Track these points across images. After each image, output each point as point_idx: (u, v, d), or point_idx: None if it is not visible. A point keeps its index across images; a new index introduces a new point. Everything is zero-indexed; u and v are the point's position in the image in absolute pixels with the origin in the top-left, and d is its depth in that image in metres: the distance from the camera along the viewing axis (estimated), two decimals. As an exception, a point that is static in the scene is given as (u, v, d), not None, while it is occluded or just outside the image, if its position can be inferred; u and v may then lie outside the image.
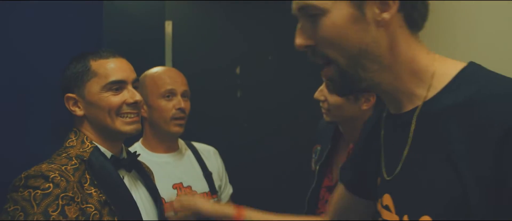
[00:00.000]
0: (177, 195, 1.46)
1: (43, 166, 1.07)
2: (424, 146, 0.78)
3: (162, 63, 2.65)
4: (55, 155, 1.16)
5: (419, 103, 0.80)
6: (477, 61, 0.81)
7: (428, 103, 0.79)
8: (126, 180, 1.22)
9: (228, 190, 1.71)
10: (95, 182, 1.11)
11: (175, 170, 1.53)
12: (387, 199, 0.85)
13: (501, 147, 0.66)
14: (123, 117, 1.19)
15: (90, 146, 1.17)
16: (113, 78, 1.18)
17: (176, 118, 1.53)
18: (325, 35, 0.78)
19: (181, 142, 1.66)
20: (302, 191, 2.10)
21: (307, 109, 2.86)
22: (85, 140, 1.19)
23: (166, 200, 1.39)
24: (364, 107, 1.54)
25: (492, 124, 0.68)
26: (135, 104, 1.20)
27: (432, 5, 0.84)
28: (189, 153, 1.64)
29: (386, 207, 0.85)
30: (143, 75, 1.60)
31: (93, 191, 1.10)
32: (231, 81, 2.82)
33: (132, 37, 2.31)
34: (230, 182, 1.79)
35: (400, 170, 0.82)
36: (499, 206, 0.67)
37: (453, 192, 0.70)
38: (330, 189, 1.66)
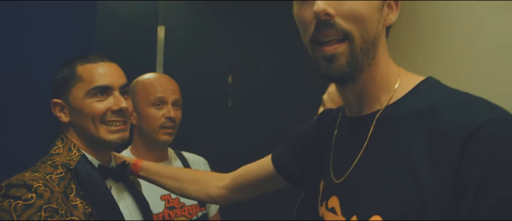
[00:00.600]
0: (165, 207, 1.40)
1: (26, 174, 1.01)
2: (381, 148, 0.79)
3: (153, 68, 2.61)
4: (40, 162, 1.09)
5: (379, 107, 0.82)
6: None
7: (389, 108, 0.81)
8: (114, 191, 1.16)
9: (217, 202, 1.66)
10: (81, 193, 1.05)
11: (164, 180, 1.48)
12: (333, 201, 0.85)
13: (461, 154, 0.68)
14: (108, 125, 1.13)
15: (77, 154, 1.12)
16: (97, 83, 1.13)
17: (165, 127, 1.49)
18: (357, 9, 0.77)
19: (170, 152, 1.61)
20: (292, 201, 2.09)
21: (298, 120, 2.83)
22: (72, 147, 1.13)
23: (153, 212, 1.34)
24: None
25: (452, 131, 0.70)
26: (120, 112, 1.14)
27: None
28: (178, 163, 1.59)
29: (332, 210, 0.86)
30: (135, 81, 1.56)
31: (78, 202, 1.04)
32: (223, 90, 2.78)
33: (124, 40, 2.27)
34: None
35: (352, 172, 0.83)
36: (455, 209, 0.67)
37: (408, 193, 0.71)
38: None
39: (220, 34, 2.85)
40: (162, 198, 1.46)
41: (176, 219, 1.42)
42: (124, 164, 1.22)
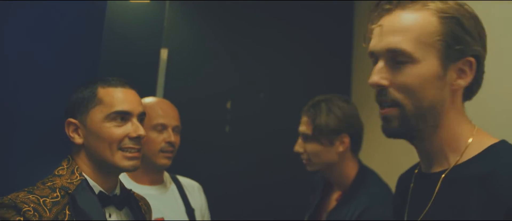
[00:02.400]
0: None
1: (21, 195, 1.01)
2: (444, 208, 0.82)
3: (153, 89, 2.62)
4: (40, 183, 1.09)
5: (448, 166, 0.85)
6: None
7: (456, 168, 0.84)
8: (114, 218, 1.14)
9: (210, 228, 1.65)
10: (74, 220, 1.04)
11: (158, 203, 1.47)
12: None
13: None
14: (124, 151, 1.12)
15: (78, 178, 1.10)
16: (118, 108, 1.12)
17: (164, 151, 1.50)
18: (407, 81, 0.83)
19: (166, 175, 1.61)
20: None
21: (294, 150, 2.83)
22: (75, 170, 1.11)
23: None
24: (340, 149, 1.59)
25: (503, 198, 0.71)
26: (137, 139, 1.14)
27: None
28: (173, 187, 1.59)
29: None
30: None
31: None
32: (221, 115, 2.79)
33: (127, 60, 2.29)
34: (214, 218, 1.73)
35: None
36: None
37: None
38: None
39: (222, 59, 2.87)
40: (155, 221, 1.45)
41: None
42: (129, 192, 1.20)
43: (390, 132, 0.88)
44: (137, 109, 1.16)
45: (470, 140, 0.84)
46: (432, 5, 0.84)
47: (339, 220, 1.56)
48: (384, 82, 0.85)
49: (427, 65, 0.82)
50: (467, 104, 0.92)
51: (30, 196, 1.01)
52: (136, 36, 2.44)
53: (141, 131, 1.13)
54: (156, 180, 1.55)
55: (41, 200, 1.01)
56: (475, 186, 0.77)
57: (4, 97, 1.40)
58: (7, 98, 1.40)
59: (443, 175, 0.85)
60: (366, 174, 1.65)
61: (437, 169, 0.88)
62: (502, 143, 0.83)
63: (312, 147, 1.60)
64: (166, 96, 2.55)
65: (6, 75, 1.41)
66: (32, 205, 0.99)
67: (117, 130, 1.12)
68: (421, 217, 0.86)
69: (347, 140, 1.59)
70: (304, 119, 1.65)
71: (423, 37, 0.82)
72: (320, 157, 1.60)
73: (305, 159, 1.65)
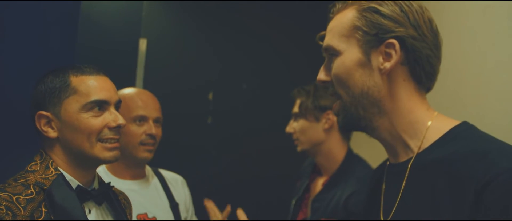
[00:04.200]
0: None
1: None
2: (413, 195, 0.85)
3: (133, 81, 2.55)
4: (12, 180, 1.02)
5: (412, 154, 0.88)
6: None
7: (420, 155, 0.87)
8: (93, 214, 1.09)
9: (193, 221, 1.62)
10: (52, 217, 0.98)
11: (141, 198, 1.43)
12: None
13: (475, 203, 0.71)
14: (104, 142, 1.06)
15: (54, 173, 1.03)
16: (95, 97, 1.05)
17: (145, 144, 1.44)
18: (335, 72, 0.91)
19: (148, 169, 1.56)
20: (285, 203, 2.05)
21: (277, 140, 2.82)
22: (50, 165, 1.05)
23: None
24: (326, 125, 1.69)
25: (468, 179, 0.73)
26: (117, 129, 1.08)
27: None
28: (155, 181, 1.54)
29: None
30: None
31: None
32: (203, 107, 2.75)
33: (105, 51, 2.22)
34: (197, 212, 1.70)
35: (393, 216, 0.89)
36: None
37: None
38: (303, 223, 1.78)
39: (203, 49, 2.83)
40: (138, 217, 1.40)
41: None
42: (108, 186, 1.14)
43: (340, 124, 0.95)
44: (114, 97, 1.10)
45: (429, 124, 0.87)
46: (356, 4, 0.91)
47: (325, 204, 1.61)
48: (325, 78, 0.94)
49: (350, 54, 0.89)
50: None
51: (2, 194, 0.95)
52: (113, 27, 2.37)
53: (121, 120, 1.08)
54: (137, 174, 1.49)
55: (14, 198, 0.95)
56: (440, 170, 0.79)
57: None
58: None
59: (409, 164, 0.87)
60: (353, 159, 1.72)
61: (403, 158, 0.90)
62: (463, 124, 0.86)
63: (300, 124, 1.72)
64: (146, 87, 2.49)
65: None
66: (4, 203, 0.93)
67: (95, 121, 1.06)
68: (394, 207, 0.88)
69: (332, 117, 1.68)
70: (296, 100, 1.79)
71: (344, 31, 0.90)
72: (306, 134, 1.70)
73: (295, 139, 1.75)
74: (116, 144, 1.09)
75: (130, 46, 2.63)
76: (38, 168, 1.04)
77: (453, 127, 0.85)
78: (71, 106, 1.05)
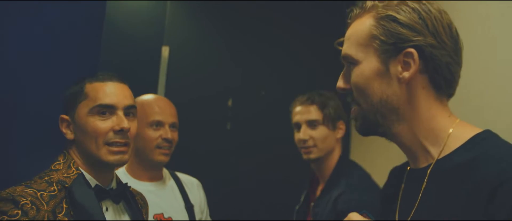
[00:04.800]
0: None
1: (18, 189, 1.02)
2: (433, 201, 0.84)
3: (155, 87, 2.63)
4: (37, 177, 1.10)
5: (432, 160, 0.87)
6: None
7: (440, 161, 0.86)
8: (111, 212, 1.15)
9: (209, 224, 1.66)
10: (72, 213, 1.05)
11: (158, 199, 1.49)
12: None
13: (488, 202, 0.72)
14: (110, 146, 1.12)
15: (75, 172, 1.11)
16: (100, 101, 1.12)
17: (161, 147, 1.51)
18: (354, 81, 0.91)
19: (165, 172, 1.62)
20: (290, 207, 2.10)
21: (296, 147, 2.83)
22: (71, 165, 1.12)
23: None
24: (339, 135, 1.77)
25: (483, 183, 0.74)
26: (121, 132, 1.13)
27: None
28: (172, 183, 1.60)
29: None
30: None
31: None
32: (222, 113, 2.79)
33: (128, 58, 2.30)
34: (214, 216, 1.74)
35: (411, 219, 0.88)
36: None
37: None
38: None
39: (223, 57, 2.88)
40: (155, 217, 1.46)
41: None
42: (125, 186, 1.20)
43: (358, 129, 0.95)
44: (122, 102, 1.15)
45: (450, 131, 0.86)
46: (373, 10, 0.90)
47: (323, 208, 1.67)
48: (344, 86, 0.94)
49: (368, 64, 0.88)
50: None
51: (28, 190, 1.02)
52: (137, 35, 2.46)
53: (124, 123, 1.12)
54: (155, 176, 1.56)
55: (38, 194, 1.02)
56: (459, 176, 0.79)
57: (5, 95, 1.42)
58: (7, 96, 1.42)
59: (429, 170, 0.86)
60: (345, 163, 1.79)
61: (423, 164, 0.90)
62: (485, 132, 0.84)
63: (320, 132, 1.74)
64: (167, 94, 2.56)
65: (6, 73, 1.43)
66: (29, 199, 1.00)
67: (101, 124, 1.12)
68: (412, 213, 0.88)
69: (343, 126, 1.78)
70: (311, 107, 1.79)
71: (361, 40, 0.90)
72: (326, 142, 1.74)
73: (310, 146, 1.75)
74: (122, 148, 1.13)
75: (153, 54, 2.71)
76: (61, 167, 1.12)
77: (475, 135, 0.84)
78: (82, 110, 1.13)
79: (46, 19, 1.52)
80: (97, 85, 1.15)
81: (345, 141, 2.86)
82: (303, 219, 1.88)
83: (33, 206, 1.00)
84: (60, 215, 1.03)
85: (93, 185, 1.12)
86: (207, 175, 2.45)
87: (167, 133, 1.51)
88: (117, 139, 1.13)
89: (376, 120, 0.90)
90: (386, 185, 1.09)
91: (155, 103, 1.56)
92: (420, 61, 0.85)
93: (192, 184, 1.65)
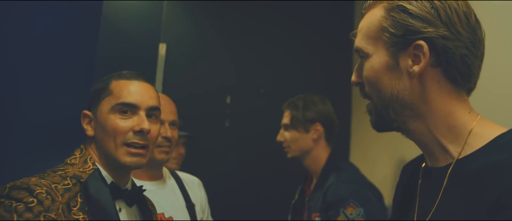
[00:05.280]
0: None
1: (33, 179, 0.98)
2: (454, 202, 0.80)
3: (152, 84, 2.60)
4: (51, 170, 1.05)
5: (452, 160, 0.82)
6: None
7: (461, 161, 0.81)
8: (124, 214, 1.11)
9: (209, 224, 1.64)
10: (86, 208, 1.01)
11: (158, 199, 1.46)
12: None
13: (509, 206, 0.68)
14: (129, 146, 1.07)
15: (91, 167, 1.07)
16: (124, 99, 1.08)
17: (161, 146, 1.48)
18: (365, 75, 0.88)
19: (165, 171, 1.59)
20: (285, 204, 2.09)
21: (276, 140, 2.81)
22: (88, 160, 1.09)
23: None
24: (314, 136, 1.89)
25: (510, 190, 0.69)
26: (141, 133, 1.08)
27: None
28: (172, 182, 1.57)
29: None
30: None
31: (80, 216, 0.99)
32: (221, 110, 2.77)
33: (125, 55, 2.27)
34: (212, 213, 1.72)
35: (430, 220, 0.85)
36: None
37: None
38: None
39: (221, 54, 2.86)
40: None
41: (169, 240, 1.39)
42: (140, 188, 1.16)
43: (373, 124, 0.92)
44: (146, 103, 1.10)
45: (471, 129, 0.81)
46: (385, 1, 0.86)
47: (315, 202, 1.81)
48: (357, 79, 0.92)
49: (378, 57, 0.85)
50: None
51: (42, 181, 0.99)
52: (134, 32, 2.43)
53: (145, 124, 1.07)
54: (155, 175, 1.53)
55: (53, 186, 0.99)
56: (484, 180, 0.74)
57: (4, 94, 1.39)
58: (7, 95, 1.39)
59: (449, 170, 0.82)
60: (336, 161, 1.92)
61: (442, 163, 0.85)
62: (510, 133, 0.79)
63: (290, 134, 1.92)
64: (165, 91, 2.53)
65: (5, 72, 1.40)
66: (44, 188, 0.97)
67: (121, 123, 1.08)
68: (430, 214, 0.84)
69: (320, 128, 1.90)
70: (286, 112, 1.98)
71: (371, 32, 0.87)
72: (297, 143, 1.91)
73: (285, 146, 1.96)
74: (141, 151, 1.08)
75: (150, 51, 2.68)
76: (77, 162, 1.08)
77: (500, 135, 0.79)
78: (104, 106, 1.09)
79: (43, 17, 1.49)
80: (122, 83, 1.11)
81: (345, 140, 2.85)
82: (299, 213, 2.00)
83: (48, 196, 0.96)
84: (74, 208, 0.99)
85: (109, 182, 1.08)
86: (206, 172, 2.43)
87: (167, 131, 1.48)
88: (136, 140, 1.08)
89: (389, 116, 0.86)
90: (400, 183, 1.05)
91: None
92: (431, 54, 0.80)
93: (193, 183, 1.63)
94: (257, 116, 2.80)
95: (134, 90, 1.10)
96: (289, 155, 1.95)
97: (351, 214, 1.61)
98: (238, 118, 2.80)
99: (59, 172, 1.04)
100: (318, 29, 2.89)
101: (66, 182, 1.02)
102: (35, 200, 0.94)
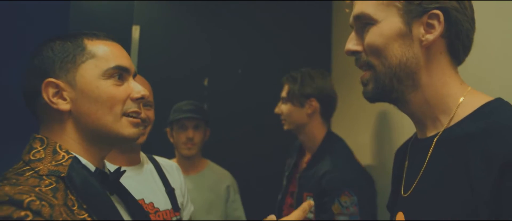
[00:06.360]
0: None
1: (6, 189, 0.76)
2: (439, 168, 0.81)
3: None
4: (13, 173, 0.83)
5: (441, 129, 0.84)
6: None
7: (448, 130, 0.83)
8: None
9: (189, 207, 1.62)
10: (84, 206, 0.83)
11: (137, 184, 1.42)
12: (400, 217, 0.89)
13: (500, 178, 0.69)
14: (129, 116, 0.92)
15: (66, 157, 0.86)
16: (117, 62, 0.91)
17: None
18: (371, 41, 0.86)
19: (142, 155, 1.55)
20: (268, 201, 2.11)
21: (273, 126, 2.82)
22: (58, 149, 0.87)
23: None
24: (309, 111, 1.91)
25: (495, 155, 0.70)
26: (142, 100, 0.94)
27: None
28: (151, 167, 1.53)
29: None
30: None
31: (86, 216, 0.82)
32: (198, 93, 2.74)
33: (97, 39, 2.21)
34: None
35: (414, 190, 0.86)
36: None
37: (467, 211, 0.72)
38: (293, 194, 2.00)
39: (197, 36, 2.81)
40: (135, 203, 1.40)
41: (151, 226, 1.37)
42: (120, 172, 0.99)
43: (368, 95, 0.90)
44: (133, 67, 0.96)
45: (461, 99, 0.83)
46: None
47: (308, 180, 1.85)
48: (356, 48, 0.89)
49: (389, 23, 0.84)
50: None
51: (21, 188, 0.77)
52: (105, 14, 2.36)
53: (145, 90, 0.94)
54: (132, 160, 1.48)
55: (36, 189, 0.78)
56: (468, 145, 0.76)
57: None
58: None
59: (435, 138, 0.84)
60: (332, 139, 1.94)
61: (431, 133, 0.87)
62: (497, 100, 0.82)
63: (286, 108, 1.95)
64: (139, 74, 2.48)
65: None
66: (33, 195, 0.75)
67: (118, 90, 0.90)
68: (416, 181, 0.86)
69: (315, 104, 1.91)
70: (285, 85, 1.99)
71: None
72: (292, 116, 1.93)
73: (282, 119, 1.99)
74: (140, 121, 0.95)
75: (123, 33, 2.61)
76: (44, 155, 0.86)
77: (486, 103, 0.81)
78: (89, 72, 0.90)
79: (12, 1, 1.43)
80: (101, 43, 0.93)
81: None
82: (289, 184, 2.05)
83: (43, 202, 0.75)
84: (75, 208, 0.81)
85: (93, 170, 0.90)
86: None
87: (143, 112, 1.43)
88: (137, 108, 0.93)
89: (392, 85, 0.86)
90: (394, 166, 1.07)
91: None
92: (444, 24, 0.82)
93: (171, 167, 1.60)
94: (235, 98, 2.78)
95: (121, 52, 0.95)
96: (285, 127, 1.99)
97: (346, 202, 1.67)
98: (216, 100, 2.77)
99: (28, 173, 0.82)
100: (296, 6, 2.87)
101: (46, 182, 0.81)
102: (29, 212, 0.73)
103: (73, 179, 0.84)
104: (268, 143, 2.72)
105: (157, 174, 1.53)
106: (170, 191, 1.49)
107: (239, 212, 2.20)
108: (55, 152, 0.87)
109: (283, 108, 1.97)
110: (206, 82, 2.77)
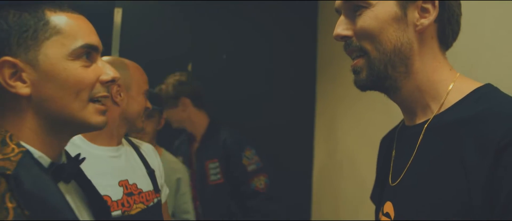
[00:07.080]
0: (124, 193, 1.33)
1: None
2: (430, 155, 0.80)
3: (108, 52, 2.50)
4: None
5: (431, 116, 0.83)
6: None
7: (438, 116, 0.82)
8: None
9: (165, 189, 1.61)
10: (26, 212, 0.68)
11: (121, 165, 1.39)
12: (388, 207, 0.88)
13: (494, 163, 0.68)
14: (96, 102, 0.82)
15: (16, 150, 0.73)
16: (86, 40, 0.80)
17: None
18: (365, 26, 0.83)
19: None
20: None
21: (258, 111, 2.81)
22: (7, 140, 0.74)
23: (112, 199, 1.27)
24: (183, 108, 2.26)
25: (489, 141, 0.69)
26: (112, 83, 0.85)
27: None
28: (130, 148, 1.51)
29: (387, 214, 0.88)
30: (122, 61, 1.48)
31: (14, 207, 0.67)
32: (181, 78, 2.70)
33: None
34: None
35: (403, 178, 0.85)
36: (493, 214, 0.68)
37: (460, 197, 0.71)
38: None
39: (180, 19, 2.78)
40: (120, 184, 1.37)
41: (135, 206, 1.35)
42: (79, 160, 0.88)
43: (360, 83, 0.87)
44: (100, 44, 0.85)
45: (451, 86, 0.83)
46: None
47: (206, 151, 2.25)
48: (346, 33, 0.85)
49: (383, 7, 0.82)
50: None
51: None
52: (87, -5, 2.30)
53: (115, 71, 0.84)
54: (117, 141, 1.45)
55: None
56: (459, 131, 0.75)
57: None
58: None
59: (426, 125, 0.83)
60: (216, 122, 2.33)
61: (420, 120, 0.86)
62: (487, 86, 0.81)
63: (167, 111, 2.28)
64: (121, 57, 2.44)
65: None
66: None
67: (86, 72, 0.80)
68: (406, 169, 0.84)
69: (187, 101, 2.27)
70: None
71: None
72: (171, 117, 2.29)
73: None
74: (105, 107, 0.85)
75: (104, 16, 2.56)
76: None
77: (476, 89, 0.80)
78: (54, 50, 0.78)
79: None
80: (65, 16, 0.81)
81: (310, 107, 2.87)
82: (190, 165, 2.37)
83: None
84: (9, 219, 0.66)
85: (46, 165, 0.79)
86: (169, 141, 2.38)
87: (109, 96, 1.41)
88: (104, 93, 0.84)
89: (386, 72, 0.83)
90: (379, 155, 1.05)
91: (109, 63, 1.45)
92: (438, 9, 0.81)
93: (148, 149, 1.57)
94: (219, 83, 2.76)
95: (88, 28, 0.83)
96: (172, 127, 2.33)
97: (250, 154, 2.21)
98: (201, 85, 2.75)
99: None
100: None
101: None
102: None
103: (20, 179, 0.70)
104: (252, 128, 2.71)
105: (137, 156, 1.50)
106: (150, 172, 1.47)
107: (188, 206, 2.15)
108: (3, 143, 0.74)
109: (167, 114, 2.28)
110: (189, 67, 2.74)
